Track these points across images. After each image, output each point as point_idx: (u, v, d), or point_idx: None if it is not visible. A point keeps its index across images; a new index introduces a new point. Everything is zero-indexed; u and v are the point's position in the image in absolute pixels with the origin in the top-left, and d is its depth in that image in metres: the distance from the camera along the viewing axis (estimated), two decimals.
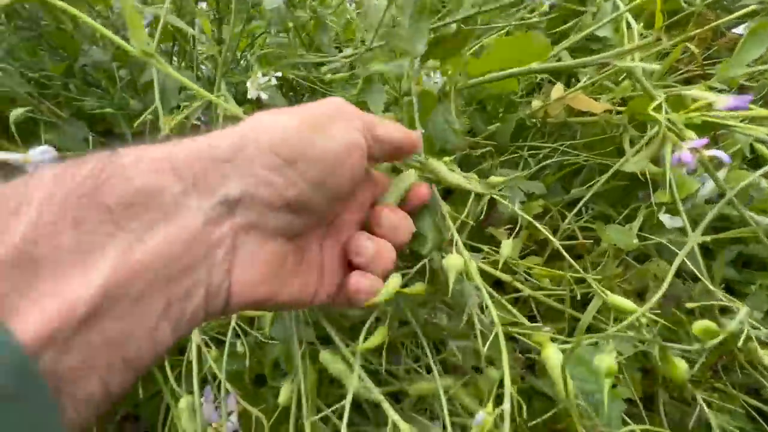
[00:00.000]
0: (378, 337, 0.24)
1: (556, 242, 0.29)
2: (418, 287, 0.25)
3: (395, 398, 0.32)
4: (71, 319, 0.13)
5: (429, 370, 0.38)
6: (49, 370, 0.13)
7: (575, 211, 0.39)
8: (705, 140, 0.23)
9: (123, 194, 0.15)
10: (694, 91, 0.25)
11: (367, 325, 0.25)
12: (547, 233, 0.29)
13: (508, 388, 0.19)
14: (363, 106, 0.59)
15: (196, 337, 0.32)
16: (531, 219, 0.31)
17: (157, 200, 0.15)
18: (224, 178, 0.16)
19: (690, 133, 0.24)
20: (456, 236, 0.26)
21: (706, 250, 0.46)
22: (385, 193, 0.25)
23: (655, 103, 0.26)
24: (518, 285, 0.39)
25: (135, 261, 0.14)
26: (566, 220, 0.39)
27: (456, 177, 0.27)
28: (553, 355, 0.21)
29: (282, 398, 0.28)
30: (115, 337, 0.14)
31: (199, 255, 0.16)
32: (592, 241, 0.40)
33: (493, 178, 0.28)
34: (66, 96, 0.61)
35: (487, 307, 0.23)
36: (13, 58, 0.57)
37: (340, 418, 0.28)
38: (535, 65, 0.35)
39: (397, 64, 0.36)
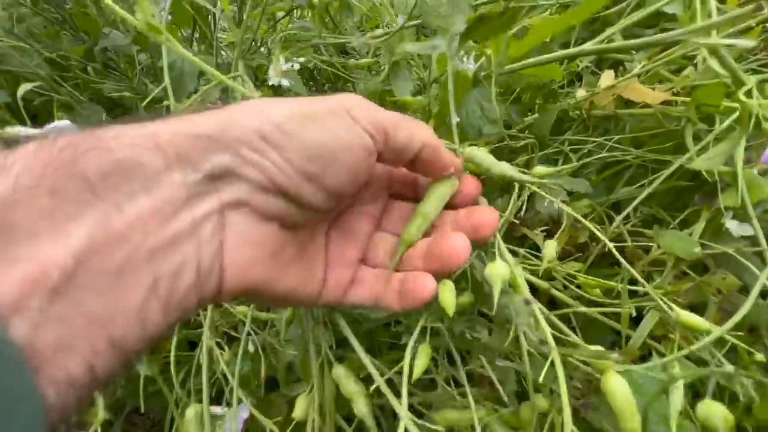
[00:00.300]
0: (424, 359, 0.21)
1: (611, 246, 0.25)
2: (464, 299, 0.22)
3: (412, 409, 0.29)
4: (45, 284, 0.12)
5: (455, 382, 0.34)
6: (26, 343, 0.12)
7: (626, 213, 0.35)
8: None
9: (102, 165, 0.14)
10: None
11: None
12: (601, 235, 0.25)
13: (569, 426, 0.15)
14: (389, 94, 0.55)
15: (208, 340, 0.30)
16: (581, 218, 0.27)
17: (137, 172, 0.15)
18: (209, 154, 0.16)
19: None
20: (498, 239, 0.22)
21: None
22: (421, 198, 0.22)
23: (744, 88, 0.22)
24: (556, 293, 0.35)
25: (113, 230, 0.14)
26: (614, 224, 0.35)
27: (503, 166, 0.23)
28: (620, 388, 0.17)
29: (298, 412, 0.25)
30: (97, 314, 0.13)
31: (184, 229, 0.15)
32: (641, 248, 0.36)
33: (540, 168, 0.24)
34: (84, 78, 0.59)
35: (536, 322, 0.19)
36: (33, 39, 0.56)
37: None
38: (588, 46, 0.31)
39: (431, 45, 0.32)
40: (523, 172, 0.28)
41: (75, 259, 0.13)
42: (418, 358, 0.21)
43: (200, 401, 0.33)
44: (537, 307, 0.20)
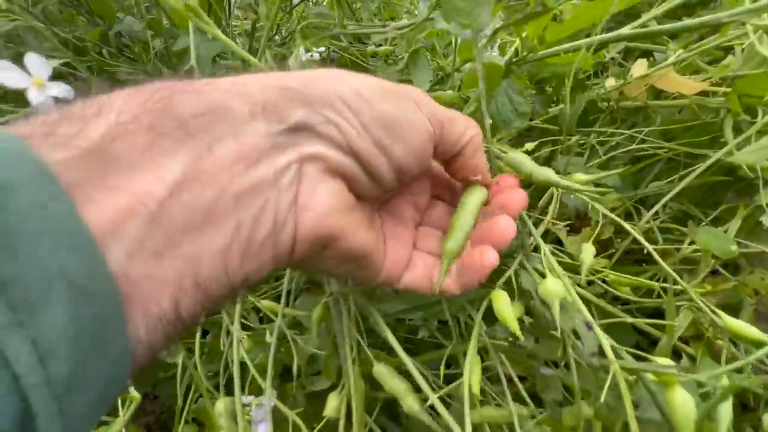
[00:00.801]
0: (477, 373, 0.20)
1: (646, 243, 0.24)
2: (517, 310, 0.21)
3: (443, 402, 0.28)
4: (141, 213, 0.13)
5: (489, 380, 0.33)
6: (120, 272, 0.12)
7: (656, 208, 0.33)
8: None
9: (194, 107, 0.15)
10: None
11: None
12: (634, 232, 0.24)
13: None
14: (407, 84, 0.54)
15: (235, 328, 0.29)
16: (609, 213, 0.25)
17: (226, 116, 0.15)
18: (293, 108, 0.16)
19: None
20: (544, 247, 0.21)
21: None
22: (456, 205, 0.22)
23: None
24: (580, 290, 0.34)
25: (204, 169, 0.14)
26: (643, 219, 0.33)
27: (547, 172, 0.22)
28: (685, 403, 0.16)
29: (329, 410, 0.24)
30: (187, 250, 0.14)
31: (266, 177, 0.15)
32: (673, 246, 0.34)
33: (580, 176, 0.23)
34: (99, 60, 0.59)
35: (590, 330, 0.18)
36: (48, 20, 0.55)
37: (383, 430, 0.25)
38: (625, 30, 0.29)
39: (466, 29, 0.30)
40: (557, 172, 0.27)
41: (169, 192, 0.13)
42: (473, 375, 0.20)
43: (216, 388, 0.33)
44: (598, 330, 0.19)
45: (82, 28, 0.59)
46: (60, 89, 0.31)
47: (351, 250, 0.18)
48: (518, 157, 0.23)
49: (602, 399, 0.18)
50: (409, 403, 0.22)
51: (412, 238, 0.22)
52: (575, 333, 0.20)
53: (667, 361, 0.18)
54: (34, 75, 0.32)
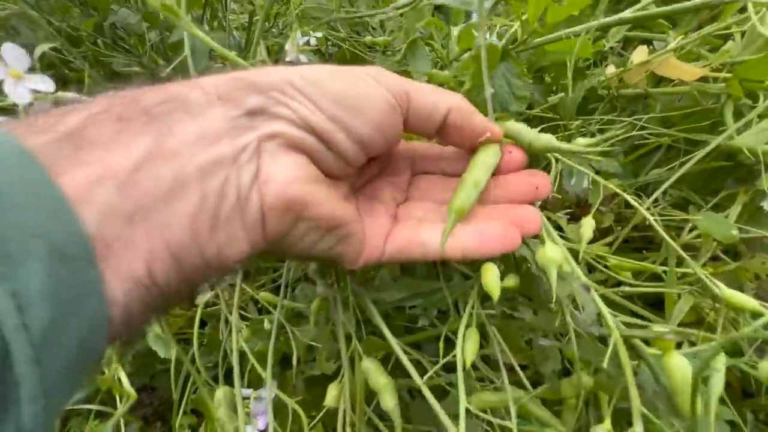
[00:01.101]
0: (473, 344, 0.20)
1: (654, 222, 0.24)
2: (510, 283, 0.21)
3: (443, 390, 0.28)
4: (111, 180, 0.14)
5: (472, 366, 0.33)
6: (94, 233, 0.13)
7: (656, 194, 0.33)
8: None
9: (156, 97, 0.16)
10: None
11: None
12: (647, 213, 0.24)
13: (638, 409, 0.14)
14: (406, 74, 0.54)
15: (234, 317, 0.29)
16: (620, 191, 0.25)
17: (185, 103, 0.16)
18: (246, 95, 0.17)
19: None
20: (544, 220, 0.21)
21: None
22: (464, 170, 0.21)
23: None
24: (582, 276, 0.34)
25: (166, 146, 0.15)
26: (645, 205, 0.33)
27: (546, 137, 0.22)
28: (682, 368, 0.16)
29: (329, 400, 0.24)
30: (155, 217, 0.15)
31: (227, 153, 0.16)
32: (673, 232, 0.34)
33: (581, 139, 0.23)
34: (94, 51, 0.58)
35: (588, 293, 0.18)
36: (42, 10, 0.55)
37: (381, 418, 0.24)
38: (627, 14, 0.29)
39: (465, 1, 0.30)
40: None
41: (136, 165, 0.15)
42: (467, 343, 0.20)
43: (216, 380, 0.32)
44: (595, 293, 0.18)
45: (77, 19, 0.58)
46: (40, 82, 0.29)
47: (323, 218, 0.18)
48: (516, 126, 0.22)
49: (604, 366, 0.17)
50: (387, 399, 0.22)
51: (391, 213, 0.22)
52: (574, 303, 0.20)
53: (663, 328, 0.18)
54: (10, 66, 0.29)
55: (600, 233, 0.41)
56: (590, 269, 0.35)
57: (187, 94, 0.17)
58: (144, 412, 0.52)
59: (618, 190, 0.24)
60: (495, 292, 0.19)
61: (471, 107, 0.21)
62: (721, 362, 0.20)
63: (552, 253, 0.19)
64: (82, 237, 0.13)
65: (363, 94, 0.19)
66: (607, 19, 0.30)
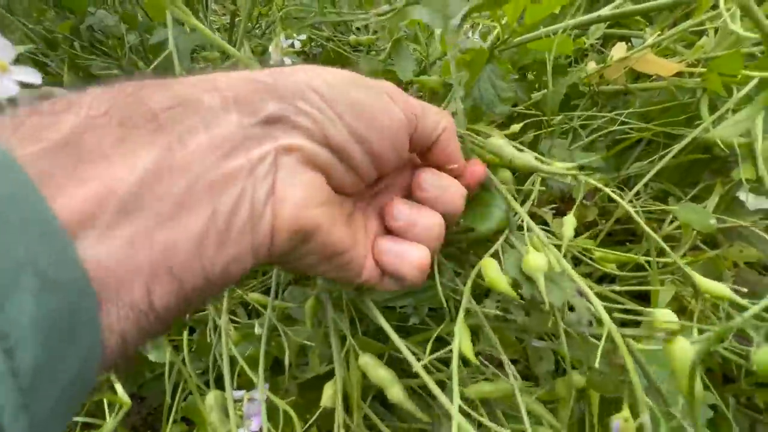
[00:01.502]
0: (466, 340, 0.20)
1: (634, 214, 0.25)
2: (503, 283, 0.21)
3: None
4: (112, 201, 0.13)
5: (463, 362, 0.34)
6: (90, 260, 0.12)
7: (637, 188, 0.34)
8: None
9: (164, 100, 0.15)
10: None
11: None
12: (628, 207, 0.24)
13: (643, 400, 0.15)
14: (391, 75, 0.54)
15: (223, 320, 0.29)
16: (602, 186, 0.26)
17: (197, 108, 0.15)
18: (265, 101, 0.16)
19: None
20: (529, 222, 0.21)
21: None
22: None
23: None
24: (568, 269, 0.35)
25: (175, 159, 0.14)
26: (626, 198, 0.34)
27: (526, 157, 0.22)
28: (685, 352, 0.17)
29: (325, 399, 0.24)
30: (160, 238, 0.13)
31: (241, 167, 0.15)
32: (655, 224, 0.35)
33: (560, 164, 0.24)
34: (71, 54, 0.57)
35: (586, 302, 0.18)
36: (13, 12, 0.53)
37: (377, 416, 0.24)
38: (605, 11, 0.29)
39: (437, 16, 0.31)
40: (540, 158, 0.27)
41: (141, 181, 0.13)
42: (460, 339, 0.20)
43: (207, 385, 0.32)
44: (596, 301, 0.19)
45: (52, 21, 0.57)
46: (26, 74, 0.29)
47: (328, 245, 0.18)
48: (498, 142, 0.23)
49: (596, 365, 0.18)
50: (395, 392, 0.22)
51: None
52: (568, 304, 0.20)
53: (669, 314, 0.19)
54: None
55: (585, 227, 0.42)
56: (576, 262, 0.36)
57: (199, 97, 0.15)
58: (133, 421, 0.51)
59: (599, 185, 0.25)
60: (500, 286, 0.20)
61: (454, 132, 0.21)
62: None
63: (536, 262, 0.20)
64: (76, 265, 0.12)
65: (383, 109, 0.18)
66: (586, 17, 0.30)
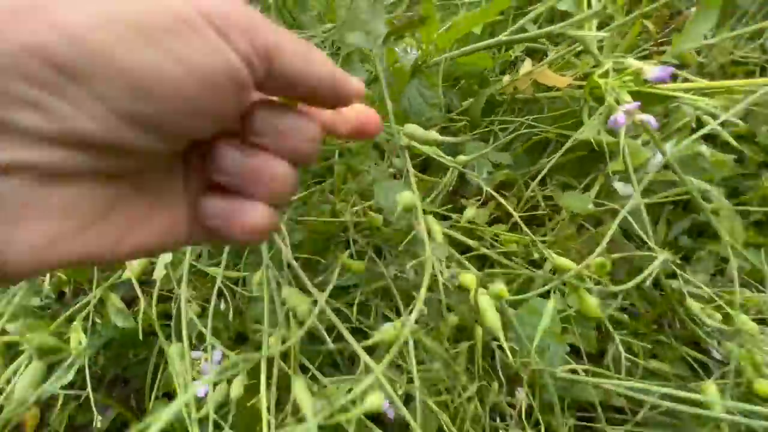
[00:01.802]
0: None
1: (513, 212, 0.32)
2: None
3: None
4: None
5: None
6: None
7: (537, 180, 0.41)
8: (637, 104, 0.25)
9: None
10: (632, 60, 0.28)
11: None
12: (506, 204, 0.32)
13: (420, 300, 0.22)
14: None
15: (184, 294, 0.34)
16: (492, 191, 0.33)
17: None
18: None
19: (626, 97, 0.26)
20: (409, 165, 0.28)
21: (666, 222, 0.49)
22: None
23: (600, 70, 0.28)
24: (484, 250, 0.42)
25: None
26: (529, 189, 0.42)
27: (432, 134, 0.29)
28: (489, 305, 0.24)
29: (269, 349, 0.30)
30: None
31: None
32: (551, 209, 0.43)
33: (462, 157, 0.31)
34: None
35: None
36: None
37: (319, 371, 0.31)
38: (502, 37, 0.37)
39: (366, 39, 0.37)
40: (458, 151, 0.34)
41: None
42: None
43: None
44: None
45: None
46: None
47: (124, 256, 0.13)
48: (412, 128, 0.29)
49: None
50: (301, 308, 0.27)
51: None
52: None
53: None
54: None
55: (506, 215, 0.50)
56: (492, 246, 0.44)
57: None
58: (119, 397, 0.56)
59: (488, 188, 0.32)
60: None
61: (342, 73, 0.15)
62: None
63: (404, 198, 0.26)
64: None
65: (192, 68, 0.12)
66: (488, 42, 0.37)
